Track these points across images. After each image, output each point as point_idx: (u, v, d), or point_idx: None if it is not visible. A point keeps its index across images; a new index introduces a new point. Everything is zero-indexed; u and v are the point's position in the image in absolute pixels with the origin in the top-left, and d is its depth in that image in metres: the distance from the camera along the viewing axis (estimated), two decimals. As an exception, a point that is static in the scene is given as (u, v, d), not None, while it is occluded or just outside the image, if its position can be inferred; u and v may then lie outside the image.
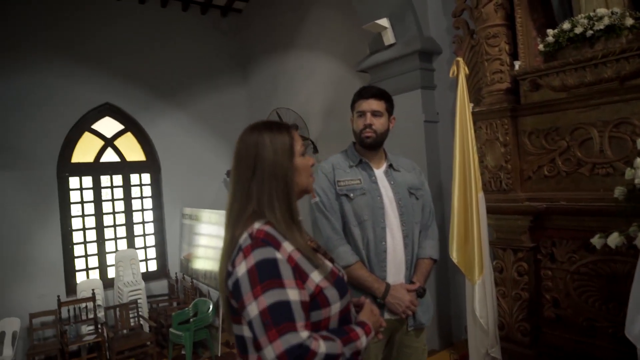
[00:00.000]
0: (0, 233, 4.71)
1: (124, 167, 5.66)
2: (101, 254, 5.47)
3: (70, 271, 5.21)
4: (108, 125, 5.55)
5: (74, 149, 5.32)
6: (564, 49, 2.46)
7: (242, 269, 1.10)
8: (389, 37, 3.60)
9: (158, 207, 5.84)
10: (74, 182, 5.31)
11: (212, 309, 4.64)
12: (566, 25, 2.42)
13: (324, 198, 1.94)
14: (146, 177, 5.82)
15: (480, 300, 2.38)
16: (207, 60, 6.10)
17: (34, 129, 4.93)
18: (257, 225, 1.16)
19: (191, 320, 4.64)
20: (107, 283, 5.32)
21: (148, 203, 5.84)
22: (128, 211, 5.66)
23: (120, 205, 5.61)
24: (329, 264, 1.25)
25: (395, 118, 2.09)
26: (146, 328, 4.93)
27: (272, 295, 1.06)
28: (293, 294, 1.08)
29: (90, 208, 5.41)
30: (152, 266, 5.85)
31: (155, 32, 5.71)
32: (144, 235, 5.79)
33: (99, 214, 5.45)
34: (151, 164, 5.80)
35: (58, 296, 4.79)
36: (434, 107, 3.60)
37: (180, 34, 5.89)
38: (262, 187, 1.19)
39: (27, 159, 4.90)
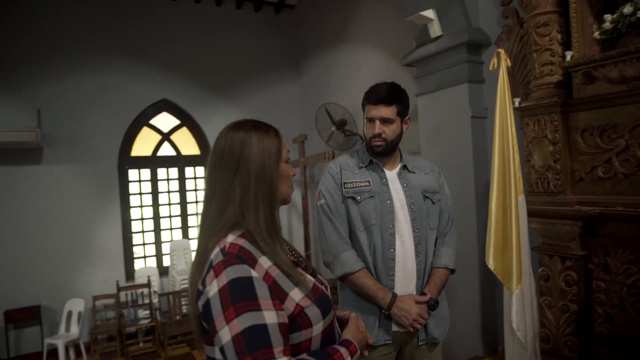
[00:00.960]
0: (67, 222, 5.08)
1: (180, 161, 5.89)
2: (157, 243, 5.74)
3: (129, 258, 5.52)
4: (165, 121, 5.79)
5: (133, 143, 5.61)
6: (624, 37, 2.20)
7: (213, 289, 0.99)
8: (435, 29, 3.42)
9: (212, 200, 6.01)
10: (133, 174, 5.61)
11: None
12: (627, 9, 2.15)
13: (330, 200, 1.83)
14: (200, 171, 6.02)
15: (518, 311, 2.21)
16: (261, 57, 6.18)
17: (98, 125, 5.25)
18: (230, 239, 1.06)
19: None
20: (163, 271, 5.59)
21: (202, 196, 6.01)
22: (183, 203, 5.89)
23: (175, 197, 5.85)
24: (310, 279, 1.16)
25: (411, 118, 1.96)
26: (197, 316, 5.12)
27: (246, 319, 0.96)
28: (270, 317, 0.98)
29: (147, 199, 5.68)
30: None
31: (210, 30, 5.86)
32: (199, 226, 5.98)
33: (155, 205, 5.72)
34: (205, 158, 5.96)
35: (117, 281, 5.10)
36: (483, 102, 3.39)
37: (234, 32, 6.01)
38: (247, 189, 1.08)
39: (91, 153, 5.23)
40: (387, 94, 1.80)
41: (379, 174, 1.86)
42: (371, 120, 1.82)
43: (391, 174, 1.89)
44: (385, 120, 1.80)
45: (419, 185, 1.89)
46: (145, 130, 5.68)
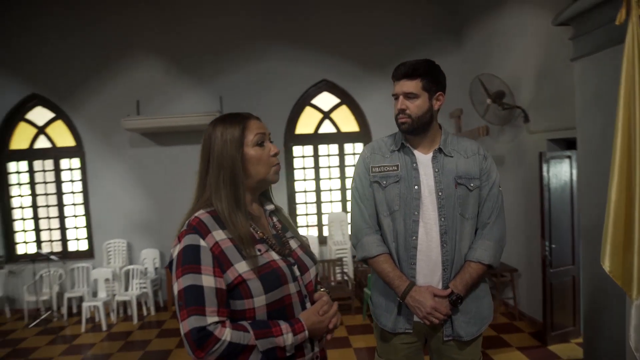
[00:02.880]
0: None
1: (339, 138, 6.22)
2: (319, 214, 6.25)
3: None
4: (325, 100, 6.17)
5: (297, 122, 6.15)
6: None
7: (175, 251, 1.20)
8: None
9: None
10: (297, 150, 6.18)
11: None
12: None
13: (358, 184, 1.83)
14: (359, 147, 6.25)
15: (636, 327, 1.81)
16: (418, 29, 6.01)
17: (267, 107, 5.92)
18: (198, 213, 1.24)
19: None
20: (322, 240, 6.08)
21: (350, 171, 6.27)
22: (342, 177, 6.23)
23: (335, 172, 6.23)
24: (270, 256, 1.24)
25: (444, 94, 1.76)
26: (350, 284, 5.46)
27: (188, 278, 1.14)
28: (207, 281, 1.14)
29: (310, 173, 6.20)
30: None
31: (364, 8, 5.94)
32: (356, 200, 6.28)
33: (317, 179, 6.20)
34: (364, 135, 6.19)
35: (281, 246, 5.77)
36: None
37: (388, 7, 5.97)
38: (214, 175, 1.26)
39: (263, 131, 5.95)
40: (411, 67, 1.70)
41: (410, 158, 1.76)
42: (396, 97, 1.75)
43: (425, 158, 1.77)
44: (408, 96, 1.70)
45: (453, 170, 1.73)
46: (307, 110, 6.17)
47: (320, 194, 6.25)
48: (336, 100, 6.19)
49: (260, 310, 1.20)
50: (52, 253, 5.72)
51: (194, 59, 5.93)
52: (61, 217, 6.09)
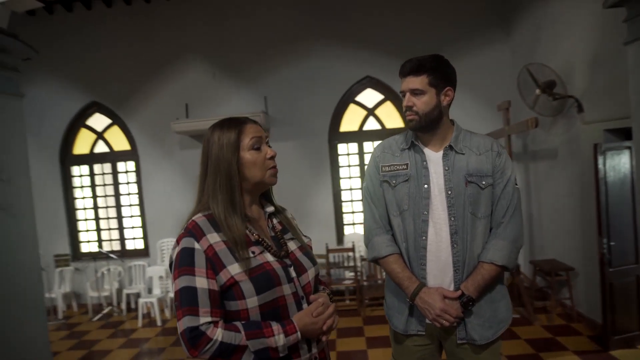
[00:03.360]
0: (288, 191, 6.01)
1: (384, 135, 6.10)
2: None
3: (339, 224, 6.17)
4: (369, 96, 6.12)
5: (341, 119, 6.15)
6: None
7: (174, 253, 1.26)
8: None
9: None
10: (342, 148, 6.18)
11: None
12: None
13: (369, 184, 1.80)
14: (404, 143, 6.16)
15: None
16: (461, 21, 5.83)
17: (311, 106, 5.98)
18: (196, 216, 1.28)
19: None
20: (368, 237, 6.04)
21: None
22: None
23: (381, 169, 6.17)
24: (263, 258, 1.26)
25: (453, 89, 1.70)
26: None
27: (183, 280, 1.19)
28: (201, 282, 1.19)
29: (356, 171, 6.18)
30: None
31: (406, 1, 5.84)
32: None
33: (362, 176, 6.16)
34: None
35: (326, 244, 5.79)
36: None
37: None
38: (211, 179, 1.30)
39: (307, 131, 6.01)
40: (416, 63, 1.67)
41: (420, 156, 1.71)
42: (403, 94, 1.72)
43: (435, 156, 1.71)
44: (415, 92, 1.67)
45: (464, 168, 1.67)
46: (351, 107, 6.15)
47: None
48: (380, 97, 6.13)
49: (254, 311, 1.23)
50: (111, 251, 6.07)
51: (239, 61, 6.07)
52: (119, 218, 6.43)
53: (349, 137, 6.17)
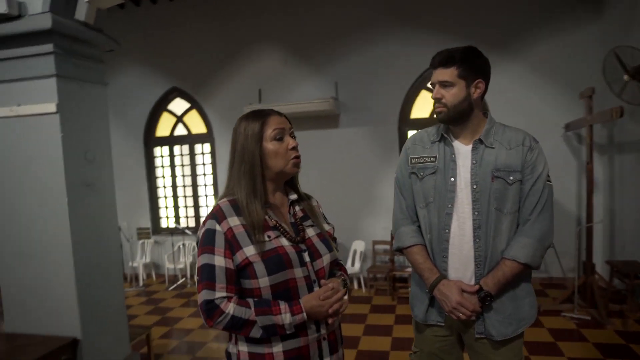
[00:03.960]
0: (355, 176, 6.07)
1: (455, 122, 5.95)
2: (431, 200, 6.10)
3: (404, 212, 6.11)
4: (441, 83, 5.94)
5: (412, 106, 6.04)
6: None
7: (200, 232, 1.39)
8: None
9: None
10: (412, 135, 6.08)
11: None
12: None
13: (399, 175, 1.81)
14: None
15: None
16: (545, 1, 5.43)
17: (381, 92, 5.94)
18: (221, 200, 1.41)
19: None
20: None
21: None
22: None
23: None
24: (278, 242, 1.35)
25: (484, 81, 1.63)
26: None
27: (204, 257, 1.34)
28: (219, 261, 1.32)
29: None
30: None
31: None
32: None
33: (430, 164, 6.05)
34: (481, 118, 5.84)
35: (391, 230, 5.78)
36: None
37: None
38: (236, 167, 1.41)
39: (376, 117, 6.00)
40: (446, 55, 1.63)
41: (450, 149, 1.69)
42: (433, 86, 1.68)
43: (465, 149, 1.68)
44: (444, 84, 1.63)
45: (492, 162, 1.62)
46: (423, 94, 6.01)
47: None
48: (452, 83, 5.92)
49: (265, 290, 1.33)
50: (187, 228, 6.52)
51: (310, 47, 6.15)
52: (195, 196, 6.87)
53: (419, 124, 6.05)
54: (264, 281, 1.33)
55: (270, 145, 1.40)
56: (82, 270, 3.06)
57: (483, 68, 1.67)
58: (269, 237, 1.36)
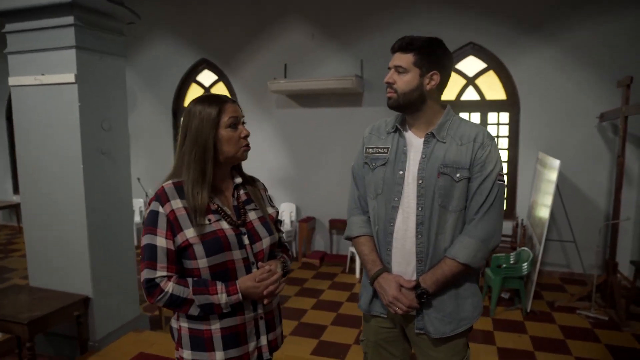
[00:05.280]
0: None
1: (483, 106, 5.78)
2: (453, 185, 6.00)
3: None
4: (471, 65, 5.74)
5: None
6: None
7: (145, 213, 1.46)
8: None
9: (513, 148, 5.71)
10: (436, 118, 5.95)
11: (530, 261, 4.40)
12: None
13: (355, 164, 1.80)
14: (504, 117, 5.74)
15: None
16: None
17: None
18: (166, 182, 1.45)
19: (503, 266, 4.59)
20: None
21: (503, 143, 5.79)
22: (482, 149, 5.82)
23: (475, 143, 5.84)
24: (218, 226, 1.40)
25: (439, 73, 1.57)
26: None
27: (147, 238, 1.39)
28: (160, 241, 1.38)
29: (447, 142, 5.94)
30: (501, 206, 5.88)
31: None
32: (496, 174, 5.84)
33: (454, 148, 5.91)
34: (511, 103, 5.64)
35: (408, 214, 5.75)
36: None
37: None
38: (187, 150, 1.42)
39: (401, 97, 5.87)
40: (407, 41, 1.59)
41: (403, 141, 1.66)
42: (389, 70, 1.64)
43: (418, 142, 1.64)
44: (398, 69, 1.59)
45: (440, 157, 1.57)
46: (453, 76, 5.79)
47: (457, 165, 5.96)
48: (482, 65, 5.71)
49: (205, 270, 1.40)
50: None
51: (338, 23, 6.06)
52: (220, 167, 7.02)
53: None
54: (202, 262, 1.39)
55: (224, 132, 1.43)
56: (95, 233, 3.25)
57: (442, 61, 1.62)
58: (209, 220, 1.42)
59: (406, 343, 1.78)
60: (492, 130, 5.78)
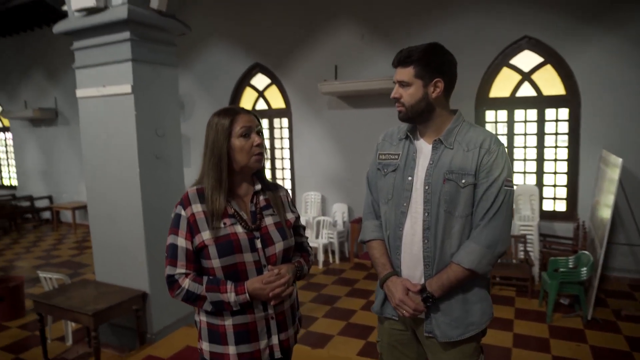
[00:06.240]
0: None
1: (541, 102, 5.52)
2: (508, 185, 5.78)
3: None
4: (526, 59, 5.51)
5: (491, 84, 5.69)
6: None
7: (172, 215, 1.58)
8: None
9: (573, 146, 5.41)
10: (490, 115, 5.77)
11: (590, 265, 4.16)
12: None
13: (370, 169, 1.83)
14: (563, 113, 5.45)
15: None
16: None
17: (458, 69, 5.63)
18: (190, 188, 1.59)
19: (560, 270, 4.37)
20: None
21: (563, 140, 5.50)
22: (540, 146, 5.57)
23: (532, 140, 5.60)
24: (232, 230, 1.52)
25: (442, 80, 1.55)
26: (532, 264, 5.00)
27: (170, 238, 1.54)
28: (180, 242, 1.52)
29: (503, 141, 5.70)
30: (561, 206, 5.60)
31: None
32: (555, 173, 5.57)
33: (509, 147, 5.70)
34: (570, 99, 5.34)
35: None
36: None
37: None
38: (205, 159, 1.55)
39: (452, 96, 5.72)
40: (405, 54, 1.59)
41: (413, 147, 1.67)
42: (394, 84, 1.65)
43: (427, 148, 1.65)
44: (402, 84, 1.62)
45: (447, 164, 1.57)
46: (504, 71, 5.63)
47: (513, 164, 5.74)
48: (539, 60, 5.45)
49: (218, 270, 1.52)
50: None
51: (387, 23, 6.04)
52: (272, 169, 7.21)
53: (499, 103, 5.71)
54: (216, 262, 1.51)
55: (237, 141, 1.53)
56: (151, 232, 3.48)
57: (443, 67, 1.61)
58: (224, 223, 1.52)
59: (420, 346, 1.79)
60: (550, 127, 5.52)
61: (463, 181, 1.57)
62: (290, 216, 1.69)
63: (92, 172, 3.61)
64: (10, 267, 6.57)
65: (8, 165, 10.65)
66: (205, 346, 1.59)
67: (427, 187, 1.62)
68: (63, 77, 8.79)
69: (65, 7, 3.46)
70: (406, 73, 1.61)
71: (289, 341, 1.66)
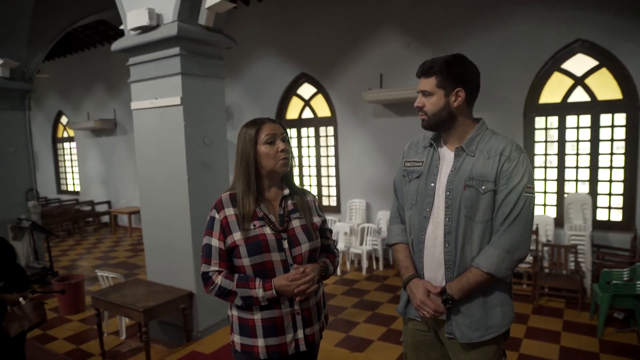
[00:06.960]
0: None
1: (594, 107, 5.29)
2: (559, 193, 5.57)
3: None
4: (579, 63, 5.30)
5: (542, 90, 5.52)
6: None
7: (208, 218, 1.74)
8: None
9: (632, 153, 5.13)
10: (539, 122, 5.58)
11: (646, 279, 3.95)
12: None
13: (397, 176, 1.89)
14: (620, 118, 5.19)
15: None
16: None
17: (504, 75, 5.55)
18: (224, 193, 1.74)
19: (614, 282, 4.16)
20: (558, 222, 5.45)
21: (619, 147, 5.23)
22: (594, 154, 5.33)
23: (585, 147, 5.37)
24: (261, 231, 1.65)
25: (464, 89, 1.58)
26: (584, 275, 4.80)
27: (205, 238, 1.69)
28: (214, 242, 1.67)
29: (553, 147, 5.54)
30: (617, 216, 5.31)
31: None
32: (610, 181, 5.30)
33: (561, 153, 5.50)
34: (628, 103, 5.09)
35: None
36: None
37: None
38: (237, 166, 1.71)
39: (499, 102, 5.62)
40: (428, 65, 1.69)
41: (436, 155, 1.73)
42: (418, 94, 1.70)
43: (450, 156, 1.70)
44: (424, 93, 1.71)
45: (467, 170, 1.62)
46: (555, 76, 5.44)
47: (564, 172, 5.52)
48: (593, 63, 5.23)
49: (248, 268, 1.65)
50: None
51: (432, 30, 6.03)
52: (318, 176, 7.33)
53: (549, 109, 5.52)
54: (246, 261, 1.64)
55: (263, 148, 1.68)
56: (198, 236, 3.66)
57: (464, 77, 1.67)
58: (254, 225, 1.66)
59: (443, 347, 1.83)
60: (606, 133, 5.27)
61: (483, 187, 1.63)
62: (316, 219, 1.81)
63: (144, 179, 3.87)
64: (73, 266, 7.10)
65: (72, 172, 11.47)
66: (236, 339, 1.72)
67: (448, 193, 1.68)
68: (121, 90, 9.42)
69: (122, 27, 3.74)
70: (428, 83, 1.69)
71: (314, 336, 1.76)
